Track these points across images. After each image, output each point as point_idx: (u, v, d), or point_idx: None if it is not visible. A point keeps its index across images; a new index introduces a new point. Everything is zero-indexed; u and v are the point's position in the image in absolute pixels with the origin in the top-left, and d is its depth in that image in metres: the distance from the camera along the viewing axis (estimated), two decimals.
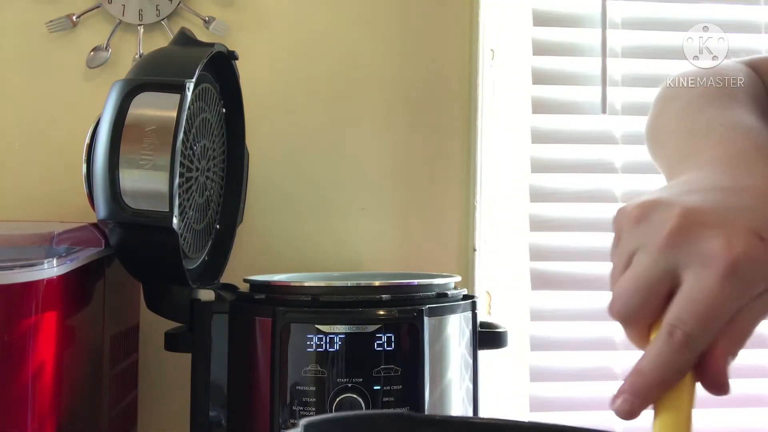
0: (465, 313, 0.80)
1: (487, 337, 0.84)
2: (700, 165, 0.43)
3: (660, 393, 0.38)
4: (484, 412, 0.86)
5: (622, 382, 0.40)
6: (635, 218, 0.40)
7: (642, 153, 1.14)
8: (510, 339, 0.87)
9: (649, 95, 1.12)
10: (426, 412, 0.73)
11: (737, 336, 0.37)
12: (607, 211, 1.12)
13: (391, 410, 0.68)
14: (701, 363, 0.37)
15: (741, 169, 0.41)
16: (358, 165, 1.09)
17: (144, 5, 1.03)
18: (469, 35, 1.10)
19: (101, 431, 0.80)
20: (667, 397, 0.38)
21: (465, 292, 0.84)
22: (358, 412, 0.67)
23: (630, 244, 0.40)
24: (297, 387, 0.73)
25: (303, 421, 0.35)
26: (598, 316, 1.11)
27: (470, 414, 0.80)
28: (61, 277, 0.67)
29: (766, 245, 0.36)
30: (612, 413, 0.40)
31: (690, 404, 0.38)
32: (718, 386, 0.37)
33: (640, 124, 1.12)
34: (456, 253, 1.10)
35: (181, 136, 0.71)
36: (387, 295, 0.75)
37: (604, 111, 1.12)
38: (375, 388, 0.72)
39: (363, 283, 0.79)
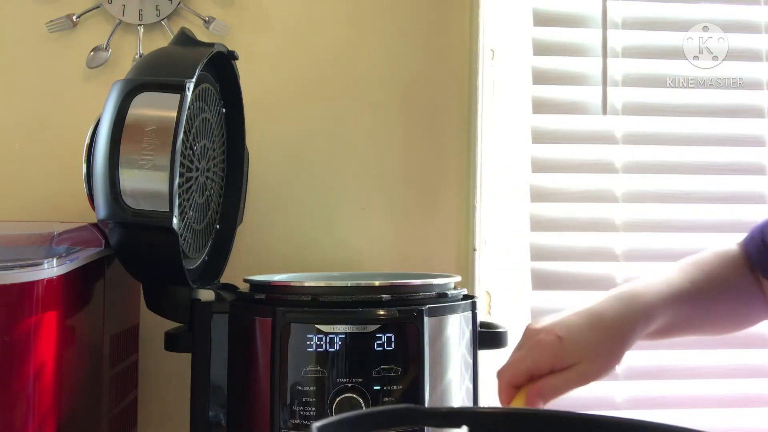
0: (465, 313, 0.80)
1: (487, 337, 0.84)
2: (599, 302, 0.73)
3: (505, 397, 0.66)
4: None
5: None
6: (531, 332, 0.70)
7: (642, 153, 1.15)
8: (510, 339, 0.87)
9: (649, 95, 1.13)
10: None
11: (545, 390, 0.64)
12: (608, 211, 1.12)
13: (398, 405, 0.69)
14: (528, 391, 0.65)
15: (603, 312, 0.70)
16: (358, 165, 1.09)
17: (144, 5, 1.03)
18: (469, 35, 1.10)
19: (101, 431, 0.80)
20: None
21: (465, 292, 0.84)
22: (363, 410, 0.67)
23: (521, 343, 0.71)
24: (297, 387, 0.72)
25: (316, 425, 0.36)
26: None
27: None
28: (61, 277, 0.67)
29: (561, 342, 0.66)
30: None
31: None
32: (531, 405, 0.64)
33: (640, 124, 1.14)
34: (456, 253, 1.10)
35: (181, 136, 0.71)
36: (387, 295, 0.75)
37: (604, 111, 1.12)
38: (375, 388, 0.72)
39: (363, 283, 0.79)
